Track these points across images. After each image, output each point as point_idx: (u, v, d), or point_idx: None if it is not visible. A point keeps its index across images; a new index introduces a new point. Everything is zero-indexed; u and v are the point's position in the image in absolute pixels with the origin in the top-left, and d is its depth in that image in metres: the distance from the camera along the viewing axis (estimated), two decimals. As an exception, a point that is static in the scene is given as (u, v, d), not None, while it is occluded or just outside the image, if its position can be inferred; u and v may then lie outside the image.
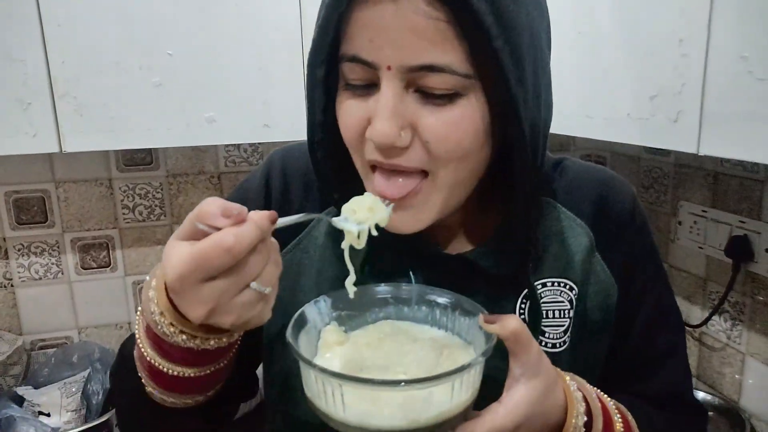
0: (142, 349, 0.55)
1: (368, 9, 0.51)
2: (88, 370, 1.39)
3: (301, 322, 0.55)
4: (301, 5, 1.09)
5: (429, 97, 0.52)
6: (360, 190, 0.58)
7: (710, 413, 1.30)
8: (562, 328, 0.66)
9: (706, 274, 1.35)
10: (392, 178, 0.56)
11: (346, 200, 0.56)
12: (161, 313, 0.50)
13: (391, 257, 0.64)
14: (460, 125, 0.53)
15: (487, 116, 0.54)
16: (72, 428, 1.25)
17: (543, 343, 0.65)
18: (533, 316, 0.65)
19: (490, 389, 0.54)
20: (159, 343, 0.52)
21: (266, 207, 0.69)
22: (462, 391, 0.51)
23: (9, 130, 1.01)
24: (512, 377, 0.54)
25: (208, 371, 0.55)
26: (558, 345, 0.66)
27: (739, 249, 1.22)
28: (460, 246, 0.67)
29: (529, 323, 0.64)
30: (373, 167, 0.57)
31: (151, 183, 1.47)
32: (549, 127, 0.60)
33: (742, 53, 0.69)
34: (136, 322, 0.57)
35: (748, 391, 1.26)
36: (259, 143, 1.51)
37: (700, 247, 1.34)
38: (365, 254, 0.65)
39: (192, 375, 0.54)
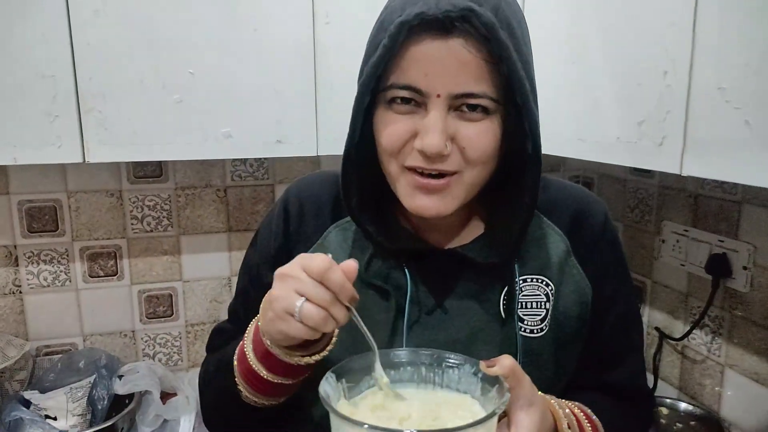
0: (250, 362, 0.69)
1: (423, 46, 0.63)
2: (94, 376, 1.42)
3: (326, 399, 0.59)
4: (315, 30, 1.17)
5: (465, 115, 0.65)
6: (369, 203, 0.74)
7: (692, 422, 1.37)
8: (539, 317, 0.76)
9: (687, 289, 1.43)
10: (432, 196, 0.68)
11: (363, 206, 0.73)
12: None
13: (391, 256, 0.76)
14: (488, 135, 0.66)
15: (501, 135, 0.68)
16: (78, 431, 1.29)
17: (523, 329, 0.76)
18: (511, 306, 0.76)
19: None
20: (267, 357, 0.67)
21: (285, 230, 0.82)
22: (495, 422, 0.58)
23: (37, 141, 1.06)
24: (518, 408, 0.62)
25: (292, 381, 0.69)
26: (536, 331, 0.76)
27: (719, 266, 1.30)
28: (450, 245, 0.79)
29: (508, 311, 0.75)
30: (410, 168, 0.69)
31: (160, 195, 1.52)
32: None
33: (720, 85, 0.78)
34: (245, 342, 0.71)
35: (728, 402, 1.34)
36: (265, 159, 1.57)
37: (682, 265, 1.43)
38: (370, 254, 0.77)
39: (282, 382, 0.69)
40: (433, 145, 0.64)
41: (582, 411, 0.73)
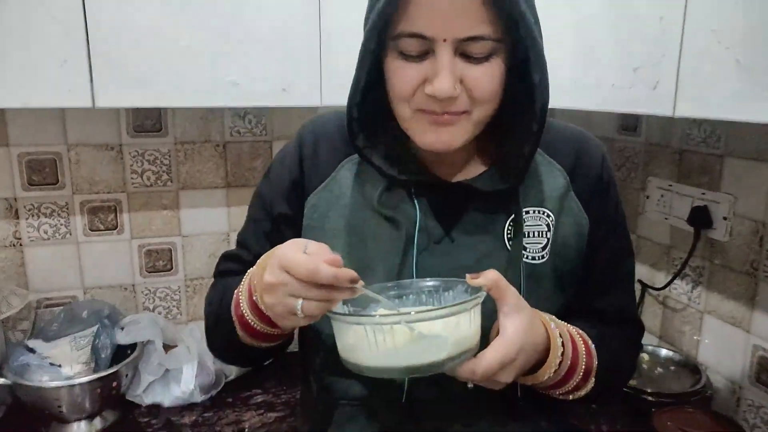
0: (243, 311, 0.74)
1: None
2: (96, 326, 1.44)
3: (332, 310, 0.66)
4: (320, -18, 1.19)
5: (470, 58, 0.70)
6: (378, 139, 0.80)
7: (672, 368, 1.45)
8: (540, 245, 0.82)
9: (670, 242, 1.51)
10: (442, 130, 0.73)
11: (370, 143, 0.78)
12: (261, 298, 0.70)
13: (402, 188, 0.82)
14: (493, 75, 0.71)
15: (505, 73, 0.73)
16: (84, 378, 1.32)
17: (525, 256, 0.81)
18: (517, 235, 0.81)
19: None
20: (258, 311, 0.72)
21: (300, 161, 0.86)
22: (477, 319, 0.66)
23: (46, 85, 1.08)
24: (502, 315, 0.68)
25: (284, 331, 0.75)
26: (537, 258, 0.82)
27: (700, 218, 1.37)
28: (458, 178, 0.84)
29: (513, 239, 0.81)
30: (421, 111, 0.73)
31: (160, 149, 1.54)
32: None
33: (712, 27, 0.83)
34: (240, 292, 0.75)
35: (704, 347, 1.42)
36: (263, 115, 1.60)
37: (666, 218, 1.50)
38: (383, 188, 0.82)
39: (273, 333, 0.75)
40: (444, 90, 0.69)
41: (576, 330, 0.79)
